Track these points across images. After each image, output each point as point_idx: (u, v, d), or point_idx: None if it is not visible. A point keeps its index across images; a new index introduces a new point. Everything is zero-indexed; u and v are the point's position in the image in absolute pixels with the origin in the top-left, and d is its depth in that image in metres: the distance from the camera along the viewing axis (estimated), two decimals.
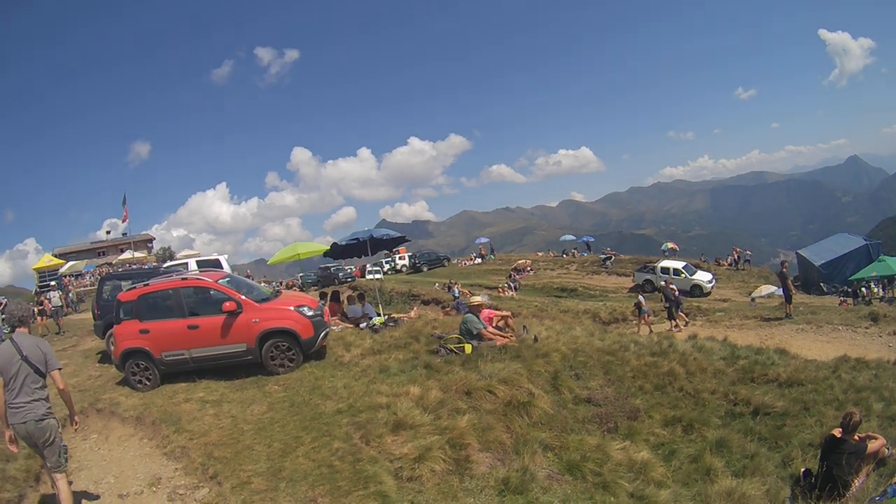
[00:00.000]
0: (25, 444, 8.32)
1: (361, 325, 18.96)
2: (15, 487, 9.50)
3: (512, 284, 55.21)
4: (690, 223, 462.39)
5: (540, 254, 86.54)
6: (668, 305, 30.51)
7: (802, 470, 10.21)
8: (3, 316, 29.77)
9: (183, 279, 14.47)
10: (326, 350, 15.37)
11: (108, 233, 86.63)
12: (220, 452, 10.14)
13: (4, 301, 34.81)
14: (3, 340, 10.99)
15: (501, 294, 50.14)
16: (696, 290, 46.50)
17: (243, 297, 13.93)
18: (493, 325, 16.37)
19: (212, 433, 10.95)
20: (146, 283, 14.52)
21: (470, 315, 15.70)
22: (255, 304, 14.00)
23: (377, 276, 56.90)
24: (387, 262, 74.36)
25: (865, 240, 49.08)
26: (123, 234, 75.52)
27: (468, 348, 14.81)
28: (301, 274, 59.93)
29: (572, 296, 52.04)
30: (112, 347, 14.78)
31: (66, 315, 35.84)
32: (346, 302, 21.47)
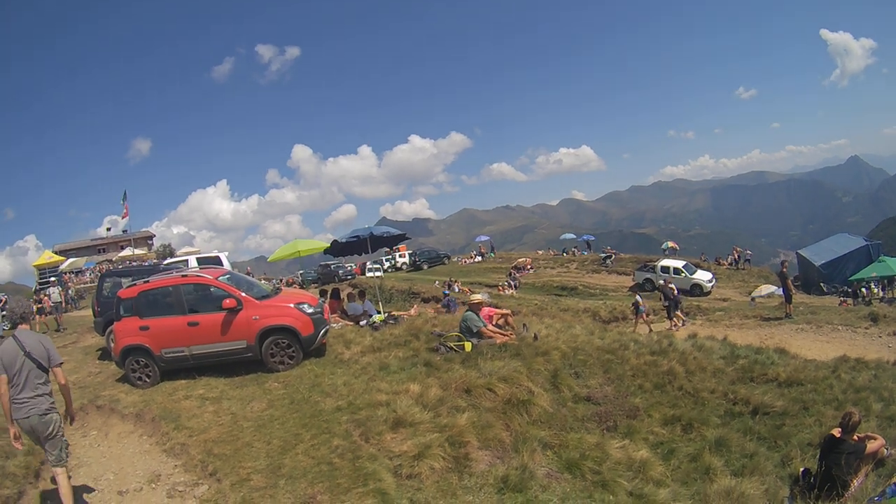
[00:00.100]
0: (28, 439, 8.39)
1: (361, 323, 18.94)
2: (14, 484, 9.50)
3: (512, 283, 55.10)
4: (691, 222, 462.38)
5: (540, 252, 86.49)
6: (666, 304, 30.48)
7: (801, 469, 10.22)
8: (4, 313, 29.81)
9: (183, 276, 14.45)
10: (326, 347, 15.38)
11: (108, 230, 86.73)
12: (220, 449, 10.15)
13: (4, 298, 34.83)
14: (1, 336, 11.01)
15: (501, 292, 50.10)
16: (697, 290, 46.48)
17: (243, 294, 13.91)
18: (493, 323, 16.33)
19: (211, 430, 10.97)
20: (146, 279, 14.51)
21: (470, 313, 15.70)
22: (256, 301, 13.99)
23: (377, 273, 56.90)
24: (387, 260, 74.62)
25: (866, 240, 49.12)
26: (124, 231, 75.56)
27: (468, 346, 14.80)
28: (301, 271, 60.01)
29: (572, 294, 52.00)
30: (112, 344, 14.76)
31: (65, 312, 35.82)
32: (346, 299, 21.48)
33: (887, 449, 10.22)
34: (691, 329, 27.27)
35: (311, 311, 14.33)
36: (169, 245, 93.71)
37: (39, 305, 31.60)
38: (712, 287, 47.40)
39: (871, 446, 9.81)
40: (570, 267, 66.64)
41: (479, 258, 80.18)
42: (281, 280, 57.80)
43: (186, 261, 24.44)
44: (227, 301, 13.54)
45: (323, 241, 24.24)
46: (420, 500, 8.42)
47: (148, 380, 13.87)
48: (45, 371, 8.28)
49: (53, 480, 8.69)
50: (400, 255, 77.25)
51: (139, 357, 13.82)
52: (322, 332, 14.64)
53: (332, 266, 64.02)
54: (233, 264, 29.83)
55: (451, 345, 14.94)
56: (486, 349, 14.58)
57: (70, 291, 46.74)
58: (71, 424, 9.01)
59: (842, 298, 38.19)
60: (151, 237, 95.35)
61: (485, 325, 15.57)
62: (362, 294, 22.00)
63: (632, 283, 51.14)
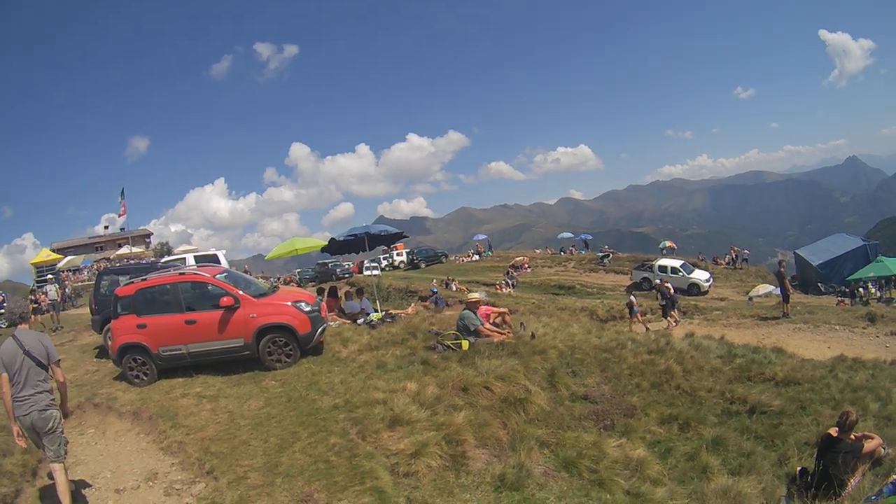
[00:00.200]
0: (28, 436, 8.45)
1: (359, 321, 18.96)
2: (11, 482, 9.55)
3: (509, 281, 55.10)
4: (689, 222, 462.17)
5: (538, 251, 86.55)
6: (663, 304, 30.58)
7: (798, 469, 10.24)
8: (2, 312, 29.81)
9: (181, 274, 14.51)
10: (324, 346, 15.41)
11: (106, 228, 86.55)
12: (217, 447, 10.16)
13: (2, 296, 34.83)
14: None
15: (499, 291, 50.16)
16: (694, 289, 46.56)
17: (241, 292, 13.94)
18: (491, 321, 16.36)
19: (208, 428, 10.98)
20: (144, 277, 14.52)
21: (467, 311, 15.69)
22: (253, 299, 14.01)
23: (375, 272, 56.90)
24: (384, 259, 74.54)
25: (863, 240, 49.26)
26: (121, 230, 75.36)
27: (465, 345, 14.81)
28: (299, 269, 59.98)
29: (570, 293, 52.09)
30: (109, 342, 14.82)
31: (63, 310, 35.82)
32: (343, 298, 21.49)
33: (884, 448, 10.22)
34: (689, 328, 27.33)
35: (308, 309, 14.34)
36: (167, 243, 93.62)
37: (35, 305, 31.60)
38: (710, 286, 47.49)
39: (869, 445, 9.81)
40: (568, 266, 66.61)
41: (477, 257, 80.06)
42: (278, 278, 57.79)
43: (184, 259, 24.43)
44: (225, 299, 13.56)
45: (320, 240, 24.25)
46: (417, 498, 8.41)
47: (145, 378, 13.88)
48: (45, 368, 8.41)
49: (51, 476, 8.82)
50: (397, 254, 77.19)
51: (136, 355, 13.83)
52: (319, 330, 14.67)
53: (330, 264, 64.07)
54: (230, 262, 29.85)
55: (449, 343, 14.95)
56: (483, 348, 14.58)
57: (67, 289, 46.65)
58: (65, 419, 9.00)
59: (839, 298, 38.23)
60: (149, 235, 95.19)
61: (482, 324, 15.56)
62: (360, 292, 22.04)
63: (629, 283, 51.36)
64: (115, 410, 12.47)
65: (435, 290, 39.99)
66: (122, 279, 16.56)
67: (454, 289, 48.79)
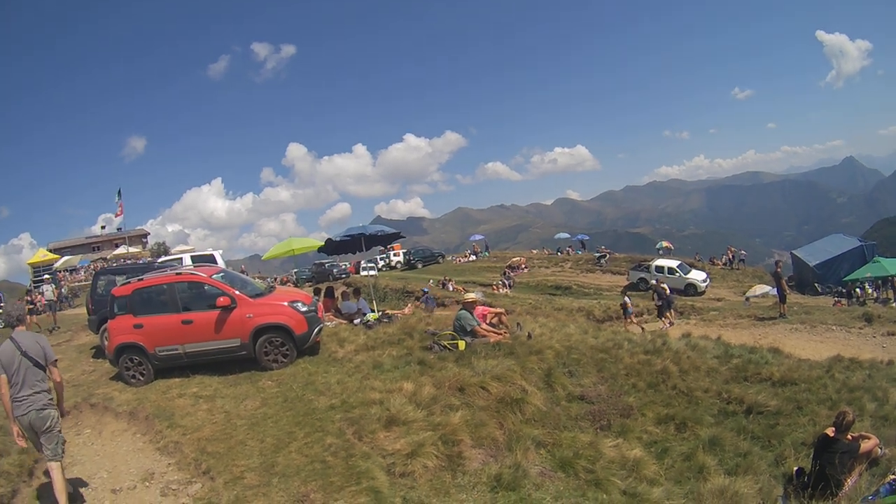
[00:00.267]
0: (26, 435, 8.50)
1: (355, 321, 18.96)
2: (8, 482, 9.55)
3: (506, 282, 55.08)
4: (685, 222, 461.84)
5: (535, 251, 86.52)
6: (659, 304, 30.64)
7: (795, 469, 10.25)
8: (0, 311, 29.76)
9: (177, 274, 14.52)
10: (320, 346, 15.42)
11: (102, 227, 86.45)
12: (213, 447, 10.17)
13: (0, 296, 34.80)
14: None
15: (496, 291, 50.17)
16: (691, 289, 46.64)
17: (237, 292, 13.95)
18: (487, 321, 16.38)
19: (205, 428, 10.98)
20: (140, 277, 14.51)
21: (464, 312, 15.70)
22: (249, 299, 14.03)
23: (372, 272, 56.92)
24: (381, 259, 74.63)
25: (860, 241, 49.37)
26: (118, 229, 75.24)
27: (462, 345, 14.80)
28: (296, 270, 59.98)
29: (566, 294, 52.14)
30: (106, 342, 14.84)
31: (59, 310, 35.81)
32: (340, 298, 21.53)
33: (881, 448, 10.22)
34: (685, 328, 27.33)
35: (304, 309, 14.34)
36: (163, 243, 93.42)
37: (31, 306, 31.59)
38: (706, 287, 47.57)
39: (865, 446, 9.81)
40: (565, 266, 66.59)
41: (474, 257, 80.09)
42: (275, 278, 57.75)
43: (181, 259, 24.43)
44: (221, 299, 13.56)
45: (317, 240, 24.23)
46: (413, 498, 8.41)
47: (142, 378, 13.88)
48: (43, 369, 8.49)
49: (46, 474, 8.88)
50: (394, 254, 77.22)
51: (133, 355, 13.84)
52: (316, 330, 14.68)
53: (327, 264, 64.01)
54: (227, 262, 29.87)
55: (445, 343, 14.95)
56: (479, 348, 14.59)
57: (64, 289, 46.58)
58: (62, 418, 9.01)
59: (836, 299, 38.42)
60: (146, 235, 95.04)
61: (479, 324, 15.59)
62: (357, 292, 22.05)
63: (626, 283, 51.43)
64: (112, 410, 12.47)
65: (426, 290, 40.07)
66: (119, 279, 16.58)
67: (451, 289, 48.83)
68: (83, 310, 24.44)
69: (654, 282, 38.52)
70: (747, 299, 41.16)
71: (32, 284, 55.09)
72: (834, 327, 26.25)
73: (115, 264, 46.16)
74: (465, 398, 11.79)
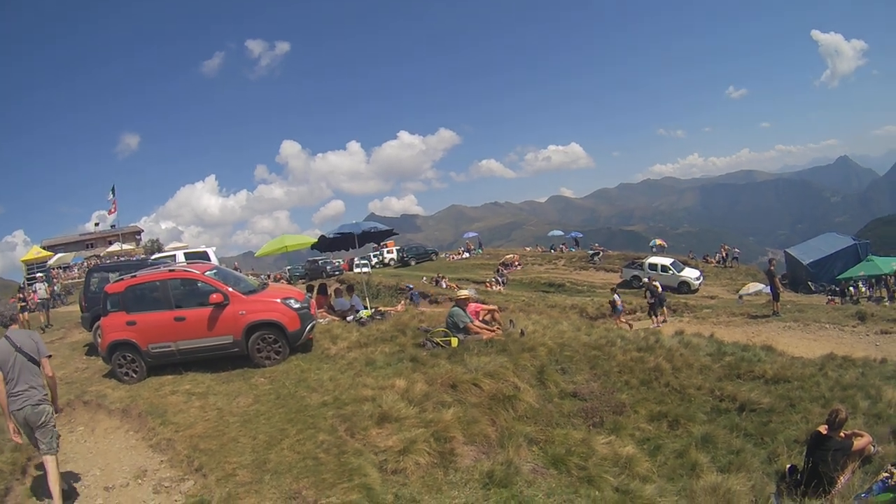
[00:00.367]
0: (22, 431, 8.60)
1: (348, 318, 18.98)
2: (2, 480, 9.54)
3: (499, 279, 55.26)
4: (679, 220, 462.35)
5: (528, 249, 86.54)
6: (652, 301, 30.74)
7: (788, 466, 10.23)
8: None
9: (170, 271, 14.51)
10: (313, 343, 15.42)
11: (96, 225, 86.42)
12: (206, 445, 10.17)
13: None
14: None
15: (489, 288, 50.25)
16: (684, 287, 46.74)
17: (230, 289, 13.95)
18: (480, 318, 16.42)
19: (197, 425, 10.98)
20: (134, 274, 14.49)
21: (457, 309, 15.74)
22: (242, 296, 14.01)
23: (365, 269, 57.02)
24: (375, 256, 74.53)
25: (854, 239, 49.40)
26: (112, 226, 75.16)
27: (454, 342, 14.85)
28: (289, 267, 59.94)
29: (560, 291, 52.27)
30: (99, 339, 14.78)
31: (53, 307, 35.79)
32: (333, 295, 21.50)
33: (874, 446, 10.24)
34: (678, 326, 27.27)
35: (297, 306, 14.35)
36: (157, 240, 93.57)
37: (23, 303, 31.61)
38: (700, 284, 47.61)
39: (858, 443, 9.83)
40: (558, 264, 66.59)
41: (467, 254, 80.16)
42: (269, 275, 57.73)
43: (174, 256, 24.42)
44: (214, 296, 13.56)
45: (310, 237, 24.26)
46: (405, 495, 8.42)
47: (135, 375, 13.85)
48: (37, 364, 8.61)
49: (38, 468, 9.18)
50: (388, 251, 77.12)
51: (126, 352, 13.81)
52: (309, 327, 14.68)
53: (320, 262, 63.90)
54: (221, 260, 29.84)
55: (438, 340, 14.97)
56: (472, 345, 14.61)
57: (56, 287, 46.54)
58: (56, 414, 9.08)
59: (829, 297, 38.44)
60: (139, 232, 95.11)
61: (471, 321, 15.62)
62: (350, 289, 22.13)
63: (619, 280, 51.49)
64: (105, 408, 12.47)
65: (411, 286, 40.11)
66: (112, 276, 16.53)
67: (444, 286, 48.95)
68: (76, 307, 24.43)
69: (646, 280, 38.69)
70: (740, 297, 41.35)
71: (26, 282, 55.05)
72: (827, 325, 26.35)
73: (108, 261, 46.07)
74: (457, 395, 11.81)
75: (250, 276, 23.07)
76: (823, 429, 9.73)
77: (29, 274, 59.84)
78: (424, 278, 53.47)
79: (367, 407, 10.85)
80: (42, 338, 9.14)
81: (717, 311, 33.93)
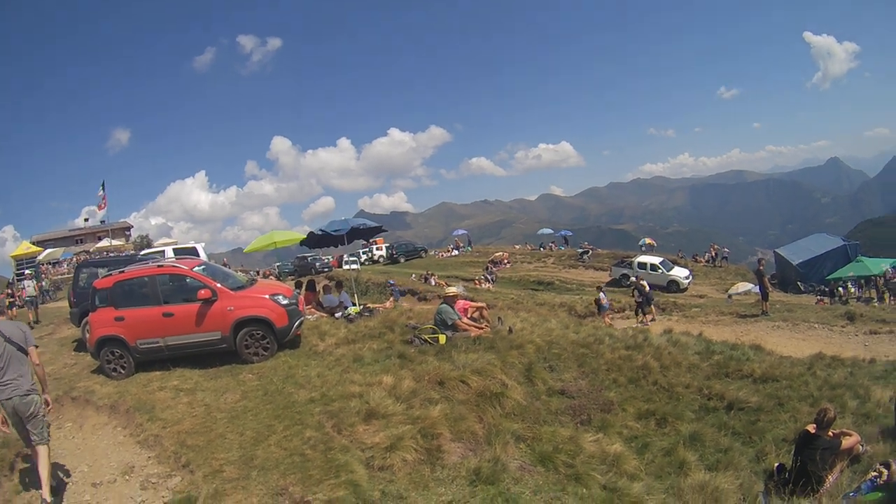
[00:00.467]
0: (11, 422, 8.64)
1: (337, 315, 19.00)
2: None
3: (489, 277, 55.40)
4: (669, 220, 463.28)
5: (517, 247, 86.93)
6: (639, 300, 30.81)
7: (776, 465, 10.26)
8: None
9: (159, 266, 14.43)
10: (301, 339, 15.39)
11: (86, 220, 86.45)
12: (193, 441, 10.15)
13: None
14: None
15: (478, 286, 50.29)
16: (673, 286, 46.89)
17: (218, 285, 13.92)
18: (469, 316, 16.45)
19: (185, 421, 10.96)
20: (122, 270, 14.48)
21: (445, 306, 15.76)
22: (231, 291, 14.00)
23: (354, 266, 57.04)
24: (364, 253, 74.67)
25: (844, 240, 49.61)
26: (101, 222, 75.17)
27: (442, 339, 14.86)
28: (278, 263, 59.98)
29: (549, 289, 52.31)
30: (87, 335, 14.74)
31: (42, 303, 35.76)
32: (321, 291, 21.48)
33: (862, 445, 10.28)
34: (667, 324, 27.37)
35: (285, 302, 14.34)
36: (146, 236, 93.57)
37: (11, 300, 31.61)
38: (689, 284, 47.75)
39: (847, 442, 9.86)
40: (547, 262, 66.82)
41: (456, 252, 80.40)
42: (258, 272, 57.69)
43: (163, 251, 24.39)
44: (202, 292, 13.53)
45: (299, 233, 24.23)
46: (392, 491, 8.43)
47: (123, 371, 13.81)
48: (26, 353, 8.71)
49: (26, 460, 9.34)
50: (377, 248, 77.21)
51: (114, 348, 13.77)
52: (297, 323, 14.66)
53: (309, 258, 64.18)
54: (210, 256, 29.82)
55: (426, 337, 14.99)
56: (460, 342, 14.63)
57: (45, 283, 46.47)
58: (47, 405, 9.08)
59: (819, 297, 38.58)
60: (129, 228, 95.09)
61: (459, 318, 15.63)
62: (340, 285, 22.13)
63: (608, 279, 51.81)
64: (93, 404, 12.42)
65: (392, 282, 40.26)
66: (101, 272, 16.48)
67: (433, 283, 49.01)
68: (65, 303, 24.42)
69: (633, 278, 38.76)
70: (730, 297, 41.48)
71: (15, 277, 54.96)
72: (816, 325, 26.42)
73: (97, 257, 46.02)
74: (444, 392, 11.82)
75: (239, 273, 23.12)
76: (812, 428, 9.76)
77: (18, 269, 59.73)
78: (414, 275, 53.67)
79: (355, 403, 10.85)
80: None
81: (705, 310, 34.07)
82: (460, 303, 16.70)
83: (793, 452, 10.02)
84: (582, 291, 48.00)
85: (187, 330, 13.65)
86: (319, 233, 21.64)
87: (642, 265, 49.30)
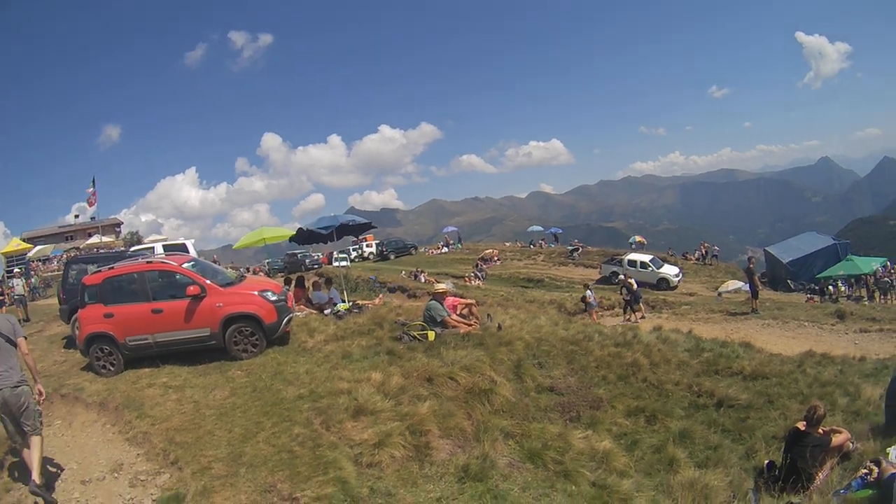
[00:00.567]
0: (2, 413, 8.68)
1: (326, 312, 18.99)
2: None
3: (479, 274, 55.70)
4: (659, 218, 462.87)
5: (507, 244, 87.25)
6: (627, 298, 30.89)
7: (766, 462, 10.28)
8: None
9: (148, 263, 14.42)
10: (290, 335, 15.37)
11: (76, 217, 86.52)
12: (182, 438, 10.15)
13: None
14: None
15: (468, 283, 50.52)
16: (663, 284, 46.90)
17: (208, 281, 13.88)
18: (458, 312, 16.46)
19: (174, 418, 10.95)
20: (111, 266, 14.41)
21: (434, 302, 15.81)
22: (219, 288, 13.96)
23: (344, 263, 57.01)
24: (354, 250, 75.19)
25: (834, 239, 49.78)
26: (92, 219, 75.15)
27: (431, 335, 14.88)
28: (268, 260, 60.02)
29: (539, 286, 52.42)
30: (77, 332, 14.68)
31: (32, 300, 35.75)
32: (311, 287, 21.50)
33: (853, 443, 10.25)
34: (657, 322, 27.49)
35: (274, 298, 14.31)
36: (136, 232, 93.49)
37: (1, 298, 31.57)
38: (679, 281, 47.75)
39: (837, 440, 9.85)
40: (537, 259, 67.09)
41: (446, 249, 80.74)
42: (248, 269, 57.77)
43: (153, 248, 24.35)
44: (191, 288, 13.47)
45: (289, 229, 24.19)
46: (380, 488, 8.42)
47: (112, 368, 13.75)
48: (15, 345, 8.70)
49: (15, 453, 9.27)
50: (367, 245, 77.73)
51: (103, 345, 13.71)
52: (285, 319, 14.64)
53: (299, 255, 64.80)
54: (200, 252, 29.83)
55: (415, 334, 15.01)
56: (449, 338, 14.67)
57: (34, 280, 46.40)
58: (40, 395, 9.07)
59: (809, 295, 38.81)
60: (119, 224, 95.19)
61: (448, 315, 15.68)
62: (329, 281, 22.18)
63: (598, 276, 51.97)
64: (82, 401, 12.38)
65: (374, 277, 40.50)
66: (91, 268, 16.44)
67: (423, 280, 49.30)
68: (55, 300, 24.35)
69: (622, 276, 38.86)
70: (719, 294, 41.44)
71: (5, 275, 54.87)
72: (806, 323, 26.55)
73: (87, 253, 46.04)
74: (433, 388, 11.85)
75: (229, 270, 23.07)
76: (802, 425, 9.75)
77: (8, 267, 59.59)
78: (403, 272, 53.96)
79: (343, 400, 10.86)
80: None
81: (695, 307, 34.18)
82: (449, 299, 16.72)
83: (783, 450, 10.02)
84: (572, 289, 47.93)
85: (176, 326, 13.61)
86: (308, 229, 21.63)
87: (632, 263, 49.40)
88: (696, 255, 61.85)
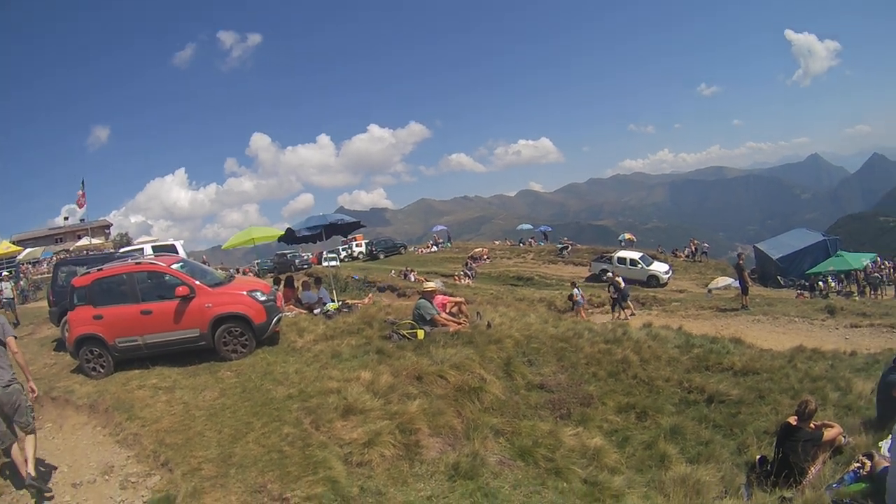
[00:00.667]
0: None
1: (315, 311, 19.01)
2: None
3: (468, 272, 55.68)
4: (648, 215, 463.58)
5: (497, 242, 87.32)
6: (615, 296, 31.05)
7: (758, 457, 10.33)
8: None
9: (137, 263, 14.36)
10: (279, 335, 15.36)
11: (66, 219, 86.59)
12: (172, 439, 10.12)
13: None
14: None
15: (458, 282, 50.61)
16: (653, 281, 46.89)
17: (197, 282, 13.85)
18: (447, 311, 16.48)
19: (164, 420, 10.92)
20: (100, 267, 14.38)
21: (423, 301, 15.82)
22: (208, 288, 13.93)
23: (333, 263, 57.02)
24: (343, 250, 75.57)
25: (824, 235, 50.06)
26: (81, 220, 75.13)
27: (421, 334, 14.89)
28: (258, 260, 60.05)
29: (528, 284, 52.42)
30: (66, 334, 14.63)
31: (23, 303, 35.69)
32: (300, 287, 21.52)
33: (845, 437, 10.27)
34: (647, 319, 27.63)
35: (263, 298, 14.28)
36: (126, 234, 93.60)
37: None
38: (669, 278, 47.77)
39: (829, 434, 9.86)
40: (527, 257, 67.20)
41: (436, 248, 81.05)
42: (237, 269, 57.75)
43: (142, 249, 24.32)
44: (180, 289, 13.43)
45: (278, 229, 24.18)
46: (370, 487, 8.41)
47: (102, 370, 13.72)
48: (4, 345, 8.73)
49: (6, 454, 9.03)
50: (356, 245, 78.22)
51: (93, 347, 13.68)
52: (275, 320, 14.61)
53: (289, 255, 64.86)
54: (189, 253, 29.76)
55: (404, 332, 15.00)
56: (439, 337, 14.68)
57: (23, 283, 46.32)
58: (32, 393, 9.15)
59: (799, 291, 38.97)
60: (109, 226, 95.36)
61: (438, 313, 15.70)
62: (319, 281, 22.23)
63: (588, 274, 52.05)
64: (73, 404, 12.38)
65: (357, 276, 40.46)
66: (80, 270, 16.35)
67: (413, 279, 49.28)
68: (45, 303, 24.31)
69: (609, 274, 39.08)
70: (709, 291, 41.61)
71: None
72: (796, 319, 26.52)
73: (76, 255, 45.87)
74: (422, 387, 11.87)
75: (219, 270, 23.02)
76: (793, 420, 9.78)
77: None
78: (393, 272, 53.93)
79: (333, 399, 10.84)
80: None
81: (685, 304, 34.16)
82: (439, 298, 16.76)
83: (774, 444, 10.03)
84: (561, 287, 47.80)
85: (165, 328, 13.59)
86: (297, 229, 21.64)
87: (622, 260, 49.44)
88: (686, 252, 61.99)
